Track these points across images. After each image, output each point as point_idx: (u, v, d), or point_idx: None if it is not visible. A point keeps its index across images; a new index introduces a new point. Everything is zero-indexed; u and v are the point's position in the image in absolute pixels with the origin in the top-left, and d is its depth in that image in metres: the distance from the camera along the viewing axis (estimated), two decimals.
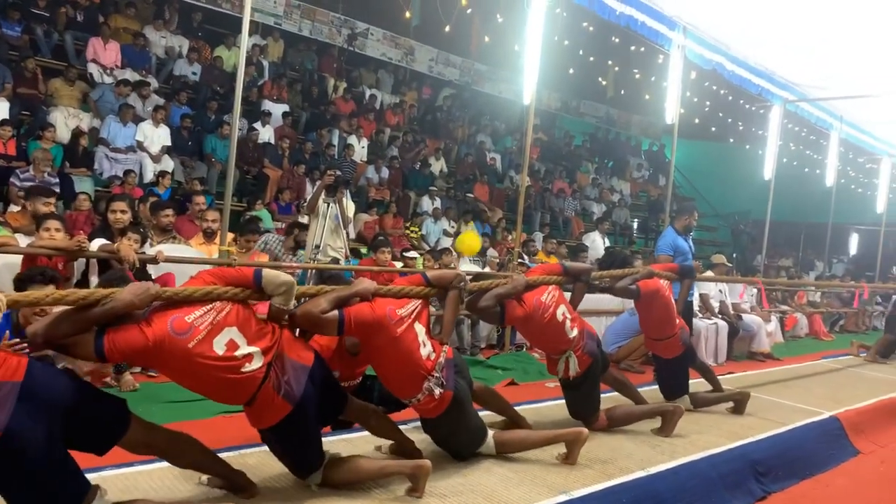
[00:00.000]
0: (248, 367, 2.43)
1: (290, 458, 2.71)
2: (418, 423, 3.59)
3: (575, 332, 3.67)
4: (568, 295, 3.92)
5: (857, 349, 8.72)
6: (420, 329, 2.97)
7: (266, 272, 2.57)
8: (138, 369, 4.86)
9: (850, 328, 12.34)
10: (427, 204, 11.28)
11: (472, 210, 11.56)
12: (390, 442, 3.19)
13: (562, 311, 3.65)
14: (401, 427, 3.21)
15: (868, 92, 8.64)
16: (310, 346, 2.79)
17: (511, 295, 3.48)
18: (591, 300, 7.68)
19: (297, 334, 2.79)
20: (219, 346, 2.37)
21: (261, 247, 6.43)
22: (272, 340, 2.53)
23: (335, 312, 2.74)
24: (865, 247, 18.87)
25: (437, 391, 2.94)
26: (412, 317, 2.95)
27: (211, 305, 2.42)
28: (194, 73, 10.97)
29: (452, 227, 10.75)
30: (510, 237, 10.51)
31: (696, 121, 14.38)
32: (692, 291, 6.08)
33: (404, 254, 7.66)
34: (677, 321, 4.40)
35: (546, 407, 4.43)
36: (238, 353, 2.41)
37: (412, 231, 10.52)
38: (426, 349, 2.96)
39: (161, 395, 4.42)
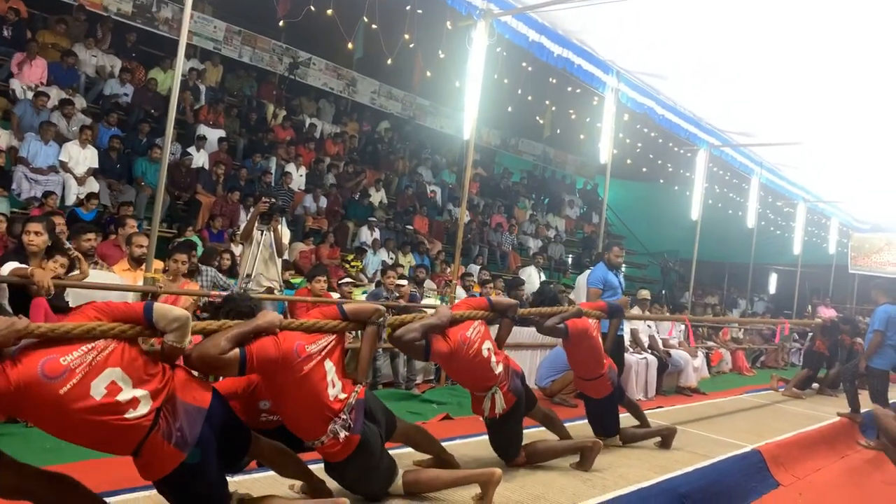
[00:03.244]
0: (133, 412, 2.19)
1: None
2: None
3: (500, 368, 3.62)
4: (495, 329, 3.84)
5: (776, 383, 9.13)
6: (330, 367, 2.78)
7: (157, 305, 2.34)
8: None
9: (770, 364, 12.90)
10: (366, 234, 11.20)
11: (411, 242, 11.56)
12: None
13: (487, 347, 3.58)
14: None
15: (786, 140, 9.17)
16: (207, 384, 2.55)
17: (437, 327, 3.39)
18: (526, 333, 7.77)
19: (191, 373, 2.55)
20: (97, 391, 2.12)
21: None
22: (162, 382, 2.30)
23: (236, 351, 2.53)
24: (783, 286, 19.92)
25: (343, 434, 2.76)
26: (323, 353, 2.76)
27: (92, 344, 2.16)
28: (126, 94, 10.62)
29: (391, 258, 10.69)
30: (448, 269, 10.54)
31: (628, 161, 14.90)
32: (622, 326, 6.23)
33: (340, 283, 7.46)
34: (605, 361, 4.45)
35: (481, 441, 4.37)
36: (121, 397, 2.16)
37: (353, 264, 10.39)
38: (335, 389, 2.77)
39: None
